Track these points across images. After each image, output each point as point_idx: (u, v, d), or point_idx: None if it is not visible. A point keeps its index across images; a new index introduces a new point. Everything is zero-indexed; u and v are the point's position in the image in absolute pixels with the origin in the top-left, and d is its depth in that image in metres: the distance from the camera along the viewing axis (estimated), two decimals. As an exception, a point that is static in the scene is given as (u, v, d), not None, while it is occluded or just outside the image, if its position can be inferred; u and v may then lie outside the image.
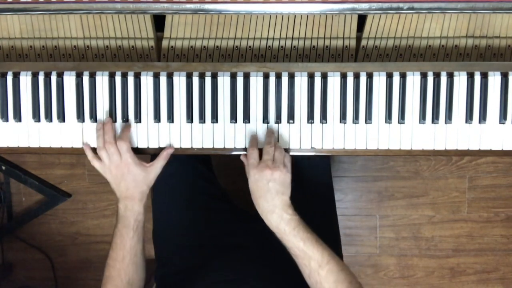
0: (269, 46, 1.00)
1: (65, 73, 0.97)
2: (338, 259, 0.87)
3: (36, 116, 0.98)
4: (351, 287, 0.85)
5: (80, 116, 0.97)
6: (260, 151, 0.93)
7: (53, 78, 0.97)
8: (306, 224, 0.89)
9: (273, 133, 0.95)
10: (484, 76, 0.95)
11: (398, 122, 0.96)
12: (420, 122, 0.96)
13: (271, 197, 0.88)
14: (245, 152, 0.97)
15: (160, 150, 0.97)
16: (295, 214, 0.88)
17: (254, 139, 0.95)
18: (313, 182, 1.19)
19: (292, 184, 1.02)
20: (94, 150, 0.96)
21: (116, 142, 0.92)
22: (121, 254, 0.92)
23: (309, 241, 0.86)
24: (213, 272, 1.01)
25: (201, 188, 1.17)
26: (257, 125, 0.97)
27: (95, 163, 0.95)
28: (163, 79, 0.97)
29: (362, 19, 0.99)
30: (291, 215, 0.87)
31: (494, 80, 0.95)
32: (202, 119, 0.97)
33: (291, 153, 0.98)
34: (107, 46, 1.00)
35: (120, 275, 0.92)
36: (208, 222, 1.14)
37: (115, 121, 0.97)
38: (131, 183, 0.93)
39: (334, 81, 0.96)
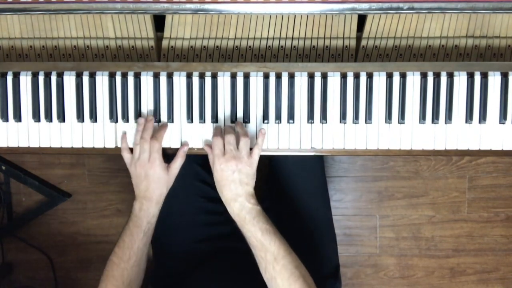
0: (269, 46, 1.00)
1: (65, 73, 0.97)
2: (295, 257, 0.87)
3: (36, 116, 0.98)
4: (305, 286, 0.84)
5: (80, 116, 0.97)
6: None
7: (53, 78, 0.97)
8: (267, 217, 0.90)
9: (234, 125, 0.94)
10: (484, 76, 0.95)
11: (398, 122, 0.96)
12: (420, 122, 0.96)
13: (235, 187, 0.89)
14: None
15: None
16: (257, 204, 0.90)
17: (218, 128, 0.95)
18: (307, 181, 1.19)
19: (285, 185, 1.02)
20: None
21: (150, 140, 0.92)
22: (128, 253, 0.91)
23: (267, 232, 0.87)
24: (199, 279, 1.01)
25: (198, 190, 1.16)
26: (257, 125, 0.97)
27: (125, 154, 0.94)
28: (163, 79, 0.97)
29: (362, 19, 0.99)
30: (253, 205, 0.89)
31: (494, 80, 0.95)
32: (202, 119, 0.97)
33: (291, 153, 0.98)
34: (107, 46, 1.00)
35: (122, 275, 0.90)
36: (204, 224, 1.14)
37: (116, 121, 0.97)
38: (152, 184, 0.92)
39: (334, 81, 0.96)
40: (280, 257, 0.85)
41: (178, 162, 0.95)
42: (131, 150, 0.95)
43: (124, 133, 0.97)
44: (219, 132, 0.93)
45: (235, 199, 0.89)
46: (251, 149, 0.92)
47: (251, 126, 0.97)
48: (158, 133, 0.94)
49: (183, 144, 0.97)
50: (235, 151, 0.89)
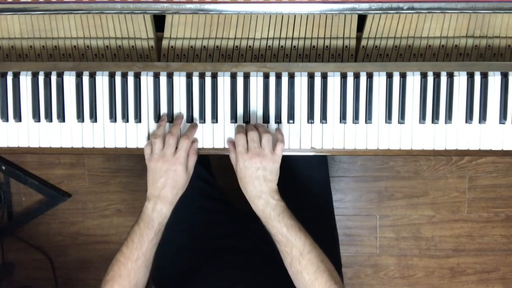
0: (269, 46, 1.00)
1: (65, 73, 0.97)
2: (320, 251, 0.88)
3: (36, 116, 0.98)
4: (331, 279, 0.85)
5: (80, 116, 0.97)
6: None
7: (53, 78, 0.97)
8: (291, 212, 0.89)
9: (254, 125, 0.94)
10: (484, 76, 0.95)
11: (398, 122, 0.96)
12: (420, 122, 0.96)
13: (259, 184, 0.88)
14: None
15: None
16: (281, 201, 0.89)
17: (240, 126, 0.94)
18: (310, 181, 1.19)
19: (289, 184, 1.01)
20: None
21: (180, 138, 0.91)
22: (136, 254, 0.89)
23: (292, 228, 0.87)
24: (206, 276, 1.01)
25: (200, 190, 1.16)
26: (257, 125, 0.97)
27: (147, 148, 0.92)
28: (163, 79, 0.97)
29: (362, 19, 0.99)
30: (277, 201, 0.88)
31: (494, 80, 0.95)
32: (202, 119, 0.97)
33: (291, 153, 0.98)
34: (107, 46, 1.00)
35: (129, 275, 0.88)
36: (206, 224, 1.14)
37: (115, 121, 0.97)
38: (170, 182, 0.90)
39: (334, 81, 0.96)
40: (306, 252, 0.86)
41: (191, 161, 0.93)
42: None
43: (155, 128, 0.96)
44: (242, 130, 0.92)
45: (260, 196, 0.88)
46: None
47: (251, 126, 0.97)
48: (190, 132, 0.93)
49: (192, 141, 0.95)
50: (258, 148, 0.88)
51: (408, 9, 0.89)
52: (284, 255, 0.88)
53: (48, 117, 0.97)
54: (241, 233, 1.14)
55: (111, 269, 0.90)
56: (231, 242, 1.11)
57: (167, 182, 0.89)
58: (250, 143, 0.89)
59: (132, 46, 1.00)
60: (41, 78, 0.97)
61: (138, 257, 0.89)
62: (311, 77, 0.96)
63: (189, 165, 0.93)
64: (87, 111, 0.98)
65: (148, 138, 0.97)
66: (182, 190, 0.93)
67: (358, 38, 0.99)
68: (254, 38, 0.99)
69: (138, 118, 0.97)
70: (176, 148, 0.91)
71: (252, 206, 0.90)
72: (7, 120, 0.98)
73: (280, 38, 0.99)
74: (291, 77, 0.96)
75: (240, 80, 0.96)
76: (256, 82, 0.96)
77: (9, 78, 0.97)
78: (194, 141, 0.95)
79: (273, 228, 0.88)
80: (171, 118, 0.97)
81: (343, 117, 0.96)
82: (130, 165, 1.77)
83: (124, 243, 0.91)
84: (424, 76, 0.95)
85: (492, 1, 0.88)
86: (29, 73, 0.97)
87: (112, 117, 0.97)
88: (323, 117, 0.96)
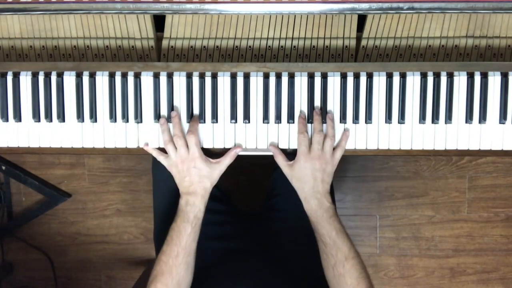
0: (269, 46, 1.00)
1: (65, 73, 0.97)
2: (362, 260, 0.91)
3: (36, 116, 0.98)
4: (370, 286, 0.88)
5: (80, 116, 0.97)
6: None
7: (53, 78, 0.97)
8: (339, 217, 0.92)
9: (330, 121, 0.95)
10: (484, 76, 0.95)
11: (398, 122, 0.96)
12: (420, 122, 0.96)
13: (316, 184, 0.91)
14: (249, 153, 0.97)
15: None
16: (333, 204, 0.92)
17: (304, 125, 0.95)
18: None
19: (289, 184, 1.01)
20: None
21: (186, 135, 0.93)
22: (176, 250, 0.90)
23: (341, 232, 0.90)
24: (208, 277, 1.01)
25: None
26: (257, 125, 0.97)
27: (161, 159, 0.95)
28: (163, 79, 0.97)
29: (362, 19, 0.99)
30: (330, 203, 0.91)
31: (494, 80, 0.95)
32: (202, 119, 0.97)
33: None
34: (107, 46, 1.00)
35: (171, 273, 0.89)
36: (207, 224, 1.14)
37: (115, 121, 0.97)
38: (196, 178, 0.92)
39: (334, 81, 0.96)
40: (351, 257, 0.89)
41: (226, 161, 0.95)
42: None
43: (146, 144, 0.97)
44: (305, 129, 0.94)
45: (315, 196, 0.91)
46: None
47: (251, 126, 0.97)
48: (193, 127, 0.94)
49: (235, 146, 0.97)
50: (320, 151, 0.91)
51: (408, 9, 0.89)
52: (327, 257, 0.90)
53: (48, 117, 0.97)
54: (243, 233, 1.14)
55: (154, 269, 0.91)
56: (232, 242, 1.11)
57: (192, 179, 0.92)
58: (315, 145, 0.91)
59: (132, 46, 1.00)
60: (41, 78, 0.97)
61: (178, 253, 0.90)
62: (311, 77, 0.96)
63: (220, 163, 0.94)
64: (87, 111, 0.98)
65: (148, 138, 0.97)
66: (211, 182, 0.94)
67: (358, 38, 0.99)
68: (254, 38, 0.99)
69: (138, 118, 0.97)
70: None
71: (305, 205, 0.92)
72: (7, 120, 0.98)
73: (280, 38, 0.99)
74: (291, 77, 0.96)
75: (240, 80, 0.96)
76: (256, 82, 0.96)
77: (9, 78, 0.97)
78: (239, 146, 0.97)
79: (323, 229, 0.90)
80: (171, 118, 0.97)
81: (343, 117, 0.96)
82: (130, 165, 1.77)
83: (165, 242, 0.92)
84: (424, 76, 0.95)
85: (492, 1, 0.88)
86: (29, 73, 0.97)
87: (112, 117, 0.97)
88: (323, 117, 0.96)
